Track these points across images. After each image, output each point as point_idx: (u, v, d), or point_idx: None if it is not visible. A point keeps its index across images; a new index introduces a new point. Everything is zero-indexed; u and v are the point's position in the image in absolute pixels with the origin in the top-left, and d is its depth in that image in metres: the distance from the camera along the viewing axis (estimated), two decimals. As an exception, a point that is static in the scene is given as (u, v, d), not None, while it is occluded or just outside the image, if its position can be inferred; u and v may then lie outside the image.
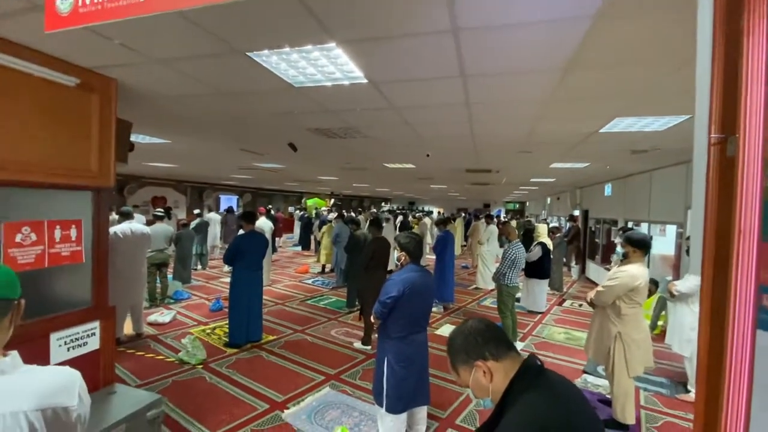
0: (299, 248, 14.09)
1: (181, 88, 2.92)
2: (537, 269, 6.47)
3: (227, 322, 4.74)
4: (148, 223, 6.83)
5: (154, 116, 3.83)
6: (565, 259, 9.78)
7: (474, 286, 8.39)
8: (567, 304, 7.20)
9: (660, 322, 5.48)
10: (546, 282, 6.66)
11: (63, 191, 2.46)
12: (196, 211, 10.00)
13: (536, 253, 6.33)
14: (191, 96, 3.11)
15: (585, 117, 3.33)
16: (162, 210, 6.93)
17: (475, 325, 1.20)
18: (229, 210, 12.19)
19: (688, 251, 4.43)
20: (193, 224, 8.95)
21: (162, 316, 5.42)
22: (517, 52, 2.11)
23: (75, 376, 0.97)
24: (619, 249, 3.17)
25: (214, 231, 10.82)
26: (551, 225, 9.42)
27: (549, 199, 17.15)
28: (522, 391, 1.05)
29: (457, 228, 12.90)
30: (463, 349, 1.17)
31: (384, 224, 8.95)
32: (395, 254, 2.79)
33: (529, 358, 1.12)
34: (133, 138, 4.44)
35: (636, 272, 2.93)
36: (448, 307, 6.61)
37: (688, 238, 4.55)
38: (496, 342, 1.16)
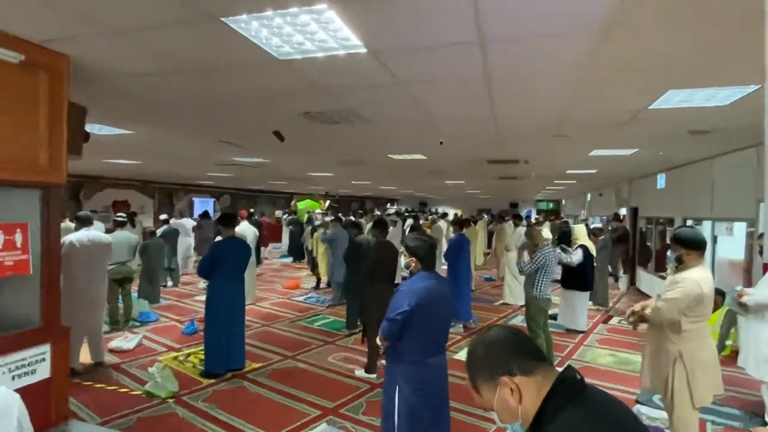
0: (289, 259, 14.13)
1: (144, 65, 2.94)
2: (577, 278, 6.41)
3: (203, 347, 4.73)
4: (109, 231, 6.88)
5: (113, 100, 3.85)
6: (610, 268, 9.69)
7: (501, 301, 8.35)
8: (614, 321, 7.13)
9: (729, 341, 5.39)
10: (587, 295, 6.60)
11: (5, 189, 2.48)
12: (162, 217, 10.05)
13: (577, 255, 6.27)
14: (157, 75, 3.13)
15: (631, 91, 3.30)
16: (124, 215, 6.99)
17: (498, 333, 1.17)
18: (204, 215, 12.22)
19: (762, 252, 4.36)
20: (159, 232, 9.00)
21: (126, 341, 5.44)
22: (546, 8, 2.09)
23: (12, 399, 0.95)
24: (669, 253, 3.11)
25: (187, 240, 10.88)
26: (593, 226, 9.34)
27: (589, 196, 17.08)
28: (559, 409, 1.02)
29: (479, 232, 12.85)
30: (484, 362, 1.14)
31: (390, 227, 8.96)
32: (403, 260, 2.77)
33: (567, 370, 1.09)
34: (88, 128, 4.48)
35: (699, 277, 2.87)
36: (469, 326, 6.57)
37: (761, 237, 4.48)
38: (525, 353, 1.12)
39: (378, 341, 2.68)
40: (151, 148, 6.97)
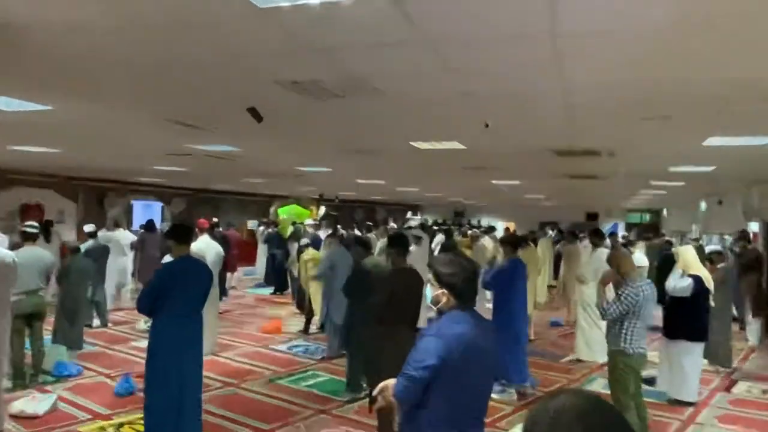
0: (266, 291, 14.21)
1: (69, 12, 3.01)
2: (685, 324, 6.30)
3: (142, 415, 4.74)
4: (14, 247, 7.02)
5: (24, 62, 3.95)
6: (735, 309, 9.50)
7: (572, 356, 8.25)
8: (741, 388, 7.00)
9: None
10: (700, 347, 6.48)
11: None
12: (88, 228, 10.16)
13: (684, 285, 6.15)
14: (87, 27, 3.21)
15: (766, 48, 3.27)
16: (36, 225, 7.11)
17: (570, 402, 1.14)
18: (149, 226, 12.40)
19: None
20: (83, 247, 9.13)
21: (34, 403, 5.49)
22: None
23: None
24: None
25: (121, 261, 11.02)
26: (710, 248, 9.20)
27: (703, 205, 16.87)
28: None
29: (541, 256, 12.76)
30: None
31: (412, 246, 8.96)
32: (429, 292, 2.77)
33: None
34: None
35: None
36: (524, 392, 6.51)
37: None
38: None
39: (388, 397, 2.67)
40: (75, 131, 7.11)
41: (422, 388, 2.53)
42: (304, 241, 10.29)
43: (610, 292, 5.13)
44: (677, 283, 6.18)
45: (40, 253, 6.58)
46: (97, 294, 9.46)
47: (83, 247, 9.28)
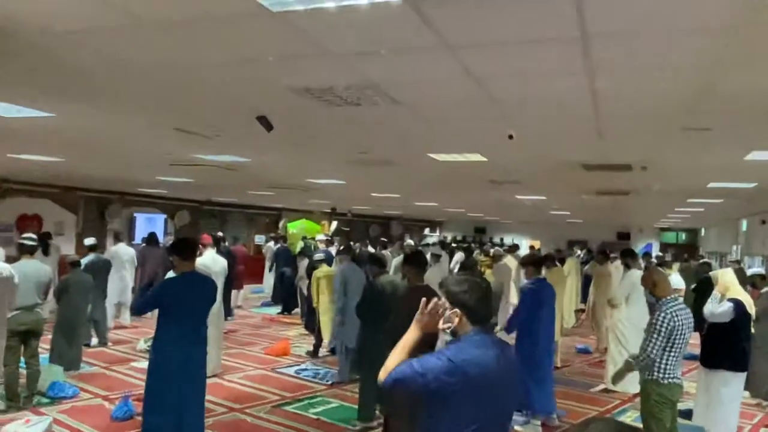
0: (274, 310, 14.21)
1: (75, 17, 3.06)
2: (725, 351, 6.19)
3: (141, 439, 4.77)
4: (11, 260, 7.10)
5: (25, 68, 4.03)
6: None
7: (602, 386, 8.18)
8: (787, 424, 6.86)
9: None
10: (741, 378, 6.36)
11: None
12: (89, 241, 10.24)
13: (723, 311, 6.05)
14: (93, 30, 3.26)
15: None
16: (34, 237, 7.19)
17: (603, 430, 1.15)
18: (151, 239, 12.50)
19: None
20: (84, 262, 9.21)
21: (28, 426, 5.51)
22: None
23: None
24: None
25: (122, 277, 11.09)
26: (752, 271, 9.06)
27: (745, 224, 16.66)
28: None
29: (568, 277, 12.66)
30: None
31: (431, 265, 8.92)
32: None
33: None
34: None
35: None
36: (551, 424, 6.44)
37: None
38: None
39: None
40: (77, 138, 7.22)
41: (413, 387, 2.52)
42: (319, 255, 10.24)
43: None
44: (716, 308, 6.08)
45: (37, 267, 6.63)
46: (97, 311, 9.52)
47: (83, 261, 9.35)
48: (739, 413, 6.35)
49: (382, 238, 18.95)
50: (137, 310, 4.84)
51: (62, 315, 7.82)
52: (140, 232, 16.94)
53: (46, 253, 10.47)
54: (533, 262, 7.33)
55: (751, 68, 3.45)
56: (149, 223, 18.47)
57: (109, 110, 5.49)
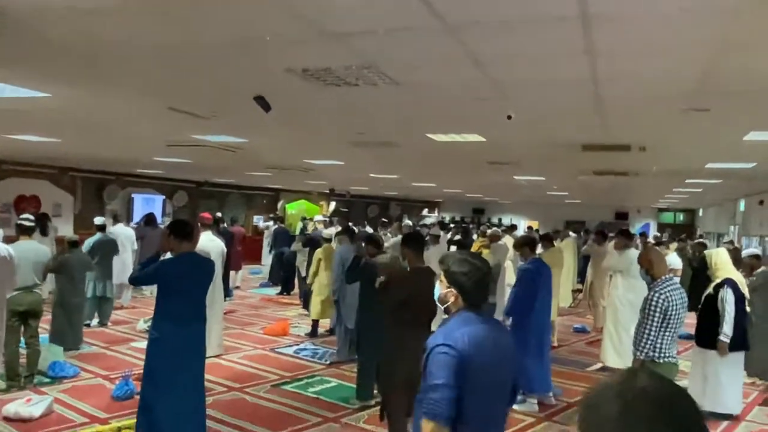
0: (273, 291, 14.29)
1: (70, -3, 3.04)
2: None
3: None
4: (10, 241, 7.10)
5: (20, 47, 3.99)
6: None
7: (599, 365, 8.24)
8: (783, 403, 6.92)
9: None
10: (741, 357, 6.41)
11: None
12: (98, 220, 10.20)
13: (730, 300, 6.08)
14: (87, 10, 3.23)
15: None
16: (32, 218, 7.19)
17: (652, 386, 0.99)
18: (149, 219, 12.49)
19: None
20: (87, 244, 9.23)
21: (29, 405, 5.54)
22: None
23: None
24: None
25: (122, 258, 11.09)
26: (748, 252, 9.09)
27: (743, 204, 16.65)
28: None
29: (565, 256, 12.67)
30: None
31: (429, 246, 8.90)
32: (438, 289, 2.76)
33: None
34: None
35: None
36: (547, 402, 6.49)
37: None
38: None
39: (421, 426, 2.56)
40: (74, 119, 7.18)
41: (449, 403, 2.42)
42: (328, 232, 10.24)
43: None
44: (729, 308, 6.04)
45: (36, 248, 6.65)
46: (106, 290, 9.59)
47: (91, 240, 9.36)
48: (740, 390, 6.40)
49: (382, 219, 18.94)
50: (135, 279, 4.92)
51: (61, 295, 7.85)
52: (138, 213, 16.97)
53: (44, 233, 10.47)
54: (526, 243, 7.32)
55: (752, 49, 3.43)
56: (147, 203, 18.47)
57: (106, 90, 5.46)
